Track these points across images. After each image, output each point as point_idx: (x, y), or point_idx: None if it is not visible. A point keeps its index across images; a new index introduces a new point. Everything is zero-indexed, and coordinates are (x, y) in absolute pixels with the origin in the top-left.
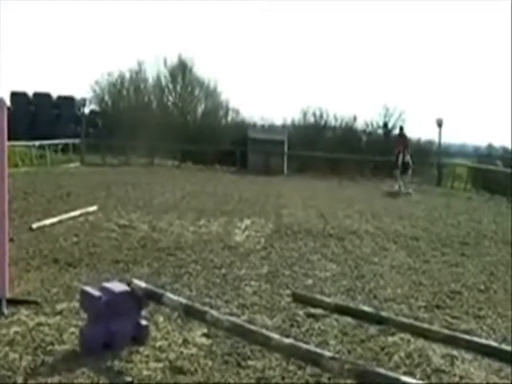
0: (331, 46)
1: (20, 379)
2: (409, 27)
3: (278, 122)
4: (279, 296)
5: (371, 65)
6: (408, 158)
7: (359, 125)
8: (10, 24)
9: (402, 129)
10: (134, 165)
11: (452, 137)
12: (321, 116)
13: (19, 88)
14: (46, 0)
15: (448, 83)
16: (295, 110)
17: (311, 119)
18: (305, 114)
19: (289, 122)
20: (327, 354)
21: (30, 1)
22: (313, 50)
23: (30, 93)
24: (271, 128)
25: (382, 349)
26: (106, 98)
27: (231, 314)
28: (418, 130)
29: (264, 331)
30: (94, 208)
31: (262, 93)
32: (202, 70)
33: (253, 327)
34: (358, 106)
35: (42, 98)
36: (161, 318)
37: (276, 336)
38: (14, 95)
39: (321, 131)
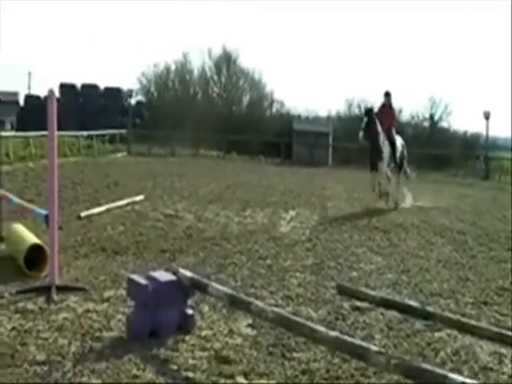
0: (377, 37)
1: (69, 364)
2: (456, 19)
3: (323, 113)
4: (324, 288)
5: (417, 56)
6: (400, 141)
7: (404, 117)
8: (59, 17)
9: (388, 95)
10: (179, 155)
11: (498, 130)
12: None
13: (68, 79)
14: None
15: (494, 76)
16: (340, 102)
17: (356, 111)
18: (349, 106)
19: (333, 113)
20: (373, 348)
21: None
22: (358, 41)
23: (79, 84)
24: (316, 119)
25: (429, 344)
26: (152, 89)
27: (276, 305)
28: (464, 123)
29: (309, 323)
30: (140, 198)
31: (307, 84)
32: (247, 61)
33: (298, 319)
34: (403, 98)
35: (90, 89)
36: (206, 308)
37: (321, 328)
38: (63, 87)
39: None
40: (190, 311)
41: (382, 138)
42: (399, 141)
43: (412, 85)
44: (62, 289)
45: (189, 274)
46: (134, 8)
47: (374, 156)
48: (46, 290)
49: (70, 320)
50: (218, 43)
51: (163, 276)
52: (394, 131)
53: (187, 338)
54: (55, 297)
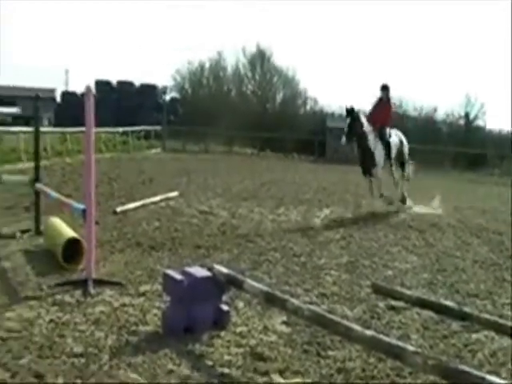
0: (411, 35)
1: (105, 357)
2: (492, 18)
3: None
4: (359, 286)
5: (453, 54)
6: (396, 138)
7: (439, 116)
8: (96, 15)
9: (385, 88)
10: (213, 152)
11: None
12: (400, 106)
13: (104, 76)
14: None
15: None
16: (374, 100)
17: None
18: None
19: (367, 111)
20: (410, 348)
21: None
22: (391, 39)
23: (114, 81)
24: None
25: (466, 346)
26: (187, 86)
27: (311, 303)
28: (499, 121)
29: (345, 322)
30: (175, 194)
31: (341, 82)
32: (281, 58)
33: (334, 317)
34: (438, 96)
35: (126, 85)
36: (241, 304)
37: (357, 327)
38: (99, 83)
39: (400, 121)
40: (225, 307)
41: (373, 139)
42: (396, 137)
43: (448, 82)
44: (98, 282)
45: (224, 270)
46: (168, 6)
47: (366, 161)
48: (82, 284)
49: (106, 313)
50: (252, 41)
51: (199, 272)
52: (387, 130)
53: (222, 333)
54: (92, 290)
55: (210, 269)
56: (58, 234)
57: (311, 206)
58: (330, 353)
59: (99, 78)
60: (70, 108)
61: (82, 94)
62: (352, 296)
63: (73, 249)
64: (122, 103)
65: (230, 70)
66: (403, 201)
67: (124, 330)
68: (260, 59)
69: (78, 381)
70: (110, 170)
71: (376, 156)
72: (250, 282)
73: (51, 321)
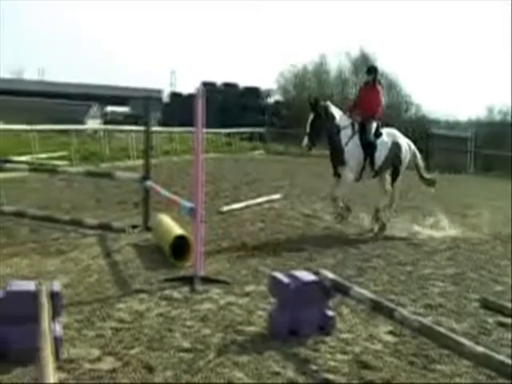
0: None
1: (212, 354)
2: None
3: (462, 118)
4: (466, 300)
5: None
6: (390, 140)
7: None
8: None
9: (372, 71)
10: (316, 155)
11: None
12: (508, 113)
13: (209, 78)
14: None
15: None
16: (480, 107)
17: (497, 117)
18: (490, 111)
19: (473, 118)
20: None
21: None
22: (500, 42)
23: (219, 83)
24: (455, 124)
25: None
26: (290, 89)
27: (416, 314)
28: None
29: (455, 336)
30: (278, 196)
31: (445, 88)
32: (384, 63)
33: (443, 330)
34: None
35: (230, 87)
36: (345, 310)
37: (467, 342)
38: (205, 85)
39: (508, 129)
40: (330, 312)
41: (349, 134)
42: (388, 138)
43: None
44: (205, 280)
45: (330, 275)
46: (273, 9)
47: (333, 158)
48: (189, 280)
49: (212, 311)
50: (355, 45)
51: (305, 275)
52: (373, 124)
53: (327, 339)
54: (199, 287)
55: (316, 273)
56: (166, 231)
57: (416, 213)
58: (438, 366)
59: (205, 80)
60: (176, 108)
61: (189, 95)
62: (459, 309)
63: (180, 245)
64: (227, 105)
65: (332, 73)
66: (381, 227)
67: (230, 329)
68: (364, 63)
69: (186, 375)
70: (215, 171)
71: (346, 153)
72: (356, 288)
73: (160, 315)
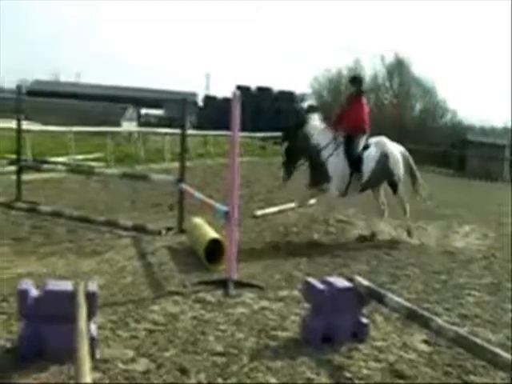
0: None
1: (245, 359)
2: None
3: (498, 124)
4: (502, 310)
5: None
6: (379, 152)
7: None
8: (233, 22)
9: (356, 81)
10: None
11: None
12: None
13: (243, 82)
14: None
15: None
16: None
17: None
18: None
19: (509, 125)
20: None
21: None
22: None
23: (253, 87)
24: (490, 131)
25: None
26: (324, 93)
27: (451, 324)
28: None
29: (492, 347)
30: (312, 201)
31: (480, 94)
32: (419, 68)
33: (479, 341)
34: None
35: (264, 92)
36: (379, 318)
37: (504, 353)
38: (239, 89)
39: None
40: (364, 320)
41: (331, 151)
42: (376, 150)
43: None
44: (238, 284)
45: (365, 282)
46: (305, 15)
47: (314, 176)
48: (223, 284)
49: (246, 315)
50: (390, 49)
51: (339, 282)
52: (360, 139)
53: (361, 346)
54: (232, 291)
55: (350, 279)
56: (201, 234)
57: (451, 221)
58: (473, 378)
59: (239, 83)
60: (210, 111)
61: (224, 99)
62: (495, 320)
63: (214, 249)
64: (261, 109)
65: (367, 78)
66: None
67: (263, 334)
68: (398, 68)
69: (219, 379)
70: (250, 174)
71: (330, 169)
72: (391, 296)
73: (194, 317)
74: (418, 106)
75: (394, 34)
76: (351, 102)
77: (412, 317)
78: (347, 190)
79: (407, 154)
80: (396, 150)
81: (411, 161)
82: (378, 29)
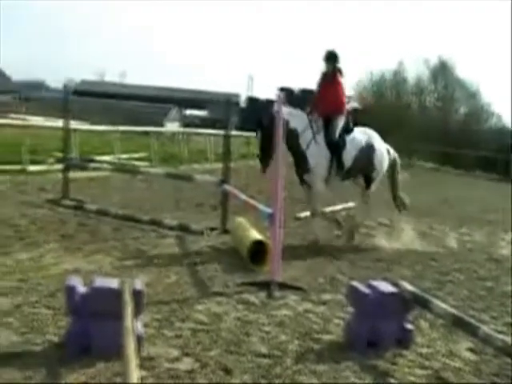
0: None
1: (289, 361)
2: None
3: None
4: None
5: None
6: (365, 139)
7: None
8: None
9: (331, 58)
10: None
11: None
12: None
13: (286, 84)
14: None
15: None
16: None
17: None
18: None
19: None
20: None
21: None
22: None
23: (296, 89)
24: None
25: None
26: (367, 96)
27: (497, 332)
28: None
29: None
30: (353, 204)
31: None
32: (464, 71)
33: None
34: None
35: (307, 94)
36: (424, 324)
37: None
38: (282, 90)
39: None
40: (409, 326)
41: (309, 136)
42: (362, 137)
43: None
44: (281, 286)
45: (410, 287)
46: (348, 17)
47: (298, 166)
48: (266, 285)
49: (289, 317)
50: (433, 52)
51: (384, 286)
52: (339, 121)
53: (406, 352)
54: (276, 293)
55: (395, 284)
56: (245, 235)
57: (497, 227)
58: None
59: (282, 86)
60: (253, 113)
61: (267, 100)
62: None
63: (258, 250)
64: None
65: (410, 81)
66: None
67: (307, 337)
68: (442, 71)
69: (263, 381)
70: (292, 176)
71: (310, 158)
72: (437, 302)
73: (238, 318)
74: (463, 110)
75: (437, 35)
76: (327, 82)
77: (458, 324)
78: (329, 178)
79: (396, 156)
80: (382, 145)
81: (398, 167)
82: (421, 31)
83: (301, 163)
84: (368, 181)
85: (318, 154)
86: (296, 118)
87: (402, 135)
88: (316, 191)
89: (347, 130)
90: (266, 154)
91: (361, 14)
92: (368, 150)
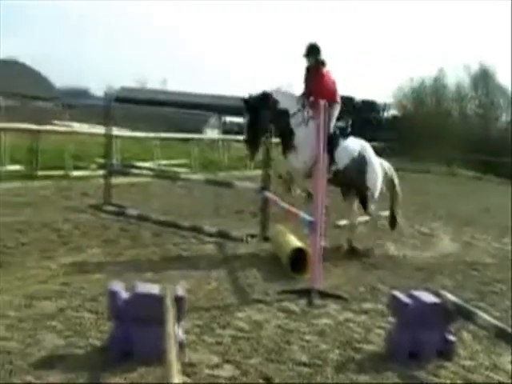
0: None
1: (330, 370)
2: None
3: None
4: None
5: None
6: (358, 148)
7: None
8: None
9: (313, 51)
10: (433, 172)
11: None
12: None
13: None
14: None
15: None
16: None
17: None
18: None
19: None
20: None
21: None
22: None
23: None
24: None
25: None
26: (407, 103)
27: None
28: None
29: None
30: (386, 213)
31: None
32: (506, 77)
33: None
34: None
35: (346, 100)
36: (466, 336)
37: None
38: None
39: None
40: (451, 337)
41: (300, 118)
42: (354, 145)
43: None
44: (322, 294)
45: (453, 298)
46: (389, 24)
47: (284, 143)
48: (306, 293)
49: (330, 326)
50: (474, 58)
51: (426, 297)
52: (336, 109)
53: (448, 364)
54: (316, 301)
55: (437, 294)
56: (285, 243)
57: None
58: None
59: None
60: None
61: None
62: None
63: (298, 258)
64: (343, 118)
65: (451, 88)
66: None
67: (348, 346)
68: (483, 78)
69: None
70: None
71: (296, 138)
72: (480, 314)
73: (278, 326)
74: (504, 117)
75: (479, 42)
76: (311, 76)
77: (501, 336)
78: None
79: (387, 166)
80: (376, 159)
81: (395, 178)
82: (462, 37)
83: (287, 140)
84: (363, 199)
85: (305, 137)
86: (287, 99)
87: (443, 143)
88: (296, 174)
89: (343, 133)
90: (254, 140)
91: (403, 22)
92: (360, 162)
